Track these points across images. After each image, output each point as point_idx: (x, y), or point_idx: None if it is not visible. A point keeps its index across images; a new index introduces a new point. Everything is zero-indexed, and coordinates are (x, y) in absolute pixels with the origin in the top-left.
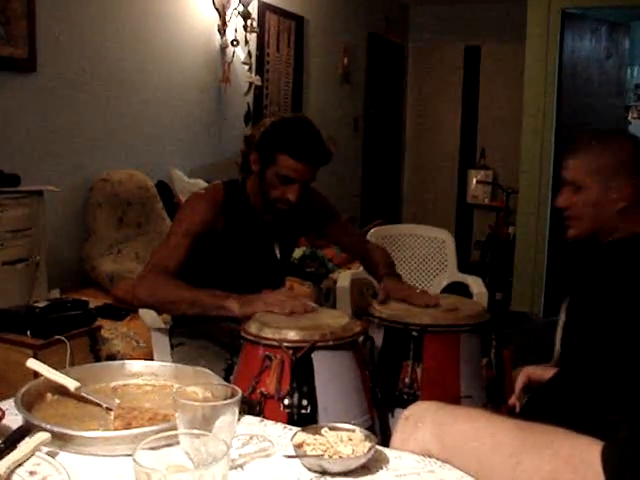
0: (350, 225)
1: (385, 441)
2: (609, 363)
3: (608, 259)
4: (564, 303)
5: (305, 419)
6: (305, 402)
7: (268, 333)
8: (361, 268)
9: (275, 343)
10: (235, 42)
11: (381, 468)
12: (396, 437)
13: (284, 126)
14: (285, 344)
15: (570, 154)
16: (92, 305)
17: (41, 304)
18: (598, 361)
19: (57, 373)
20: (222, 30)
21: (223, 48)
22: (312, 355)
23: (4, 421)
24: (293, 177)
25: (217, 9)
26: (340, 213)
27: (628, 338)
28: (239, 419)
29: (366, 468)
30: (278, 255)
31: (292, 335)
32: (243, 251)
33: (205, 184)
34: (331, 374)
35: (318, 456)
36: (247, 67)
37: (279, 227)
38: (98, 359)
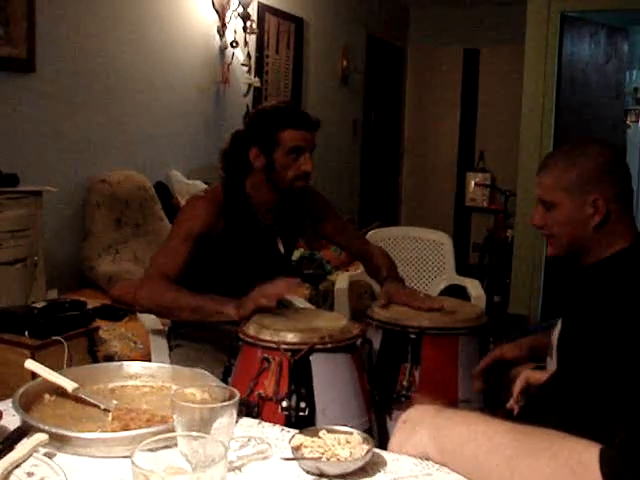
0: (350, 225)
1: (383, 444)
2: (607, 371)
3: (596, 281)
4: (554, 328)
5: (303, 421)
6: (303, 404)
7: (266, 335)
8: (359, 270)
9: (273, 345)
10: (234, 43)
11: (379, 471)
12: (394, 440)
13: (272, 109)
14: (283, 346)
15: (540, 170)
16: (90, 306)
17: (39, 304)
18: (595, 369)
19: (55, 374)
20: (221, 31)
21: (222, 49)
22: (310, 357)
23: (2, 422)
24: (303, 146)
25: (217, 10)
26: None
27: (626, 352)
28: (237, 421)
29: (364, 471)
30: (282, 250)
31: (290, 337)
32: (247, 251)
33: (204, 185)
34: (329, 376)
35: (316, 458)
36: (246, 69)
37: (279, 226)
38: (96, 360)
